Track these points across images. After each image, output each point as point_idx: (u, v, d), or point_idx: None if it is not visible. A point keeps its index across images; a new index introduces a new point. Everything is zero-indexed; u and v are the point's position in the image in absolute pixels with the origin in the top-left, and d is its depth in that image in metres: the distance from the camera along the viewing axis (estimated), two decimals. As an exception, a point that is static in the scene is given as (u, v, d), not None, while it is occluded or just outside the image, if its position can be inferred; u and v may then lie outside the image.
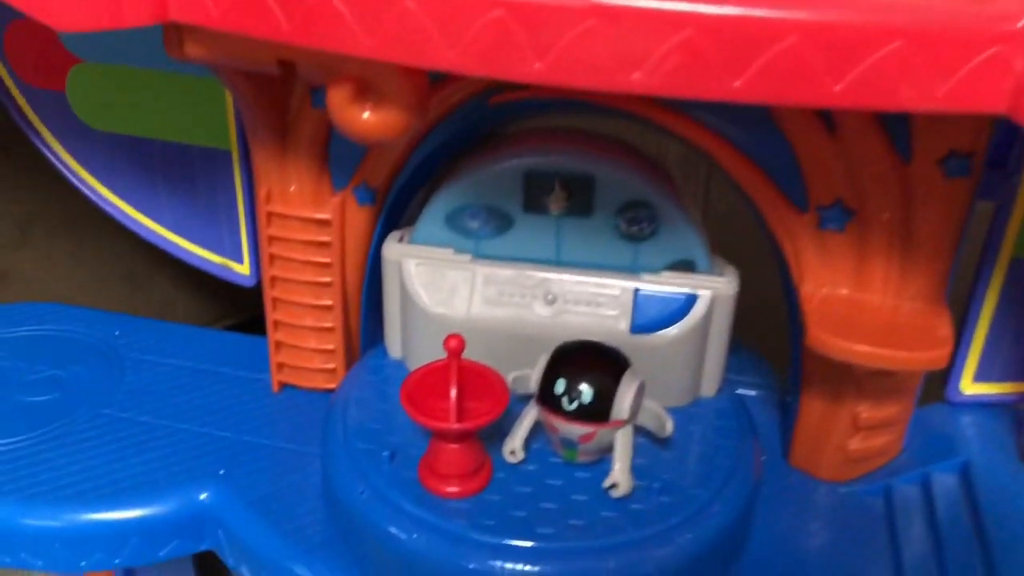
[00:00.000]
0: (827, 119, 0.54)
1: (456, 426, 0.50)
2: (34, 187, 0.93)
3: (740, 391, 0.67)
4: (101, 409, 0.68)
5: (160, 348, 0.76)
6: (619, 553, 0.52)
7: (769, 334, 0.87)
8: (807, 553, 0.59)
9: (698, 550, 0.53)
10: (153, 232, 0.76)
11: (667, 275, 0.60)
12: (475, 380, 0.53)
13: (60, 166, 0.76)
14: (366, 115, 0.49)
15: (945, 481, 0.63)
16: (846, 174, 0.56)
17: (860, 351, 0.55)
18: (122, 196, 0.76)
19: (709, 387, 0.63)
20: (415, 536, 0.52)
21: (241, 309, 1.08)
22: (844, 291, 0.59)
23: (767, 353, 0.77)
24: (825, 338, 0.55)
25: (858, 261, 0.58)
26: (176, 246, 0.76)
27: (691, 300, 0.59)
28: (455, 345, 0.51)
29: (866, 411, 0.61)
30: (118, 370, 0.73)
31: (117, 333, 0.77)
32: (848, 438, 0.62)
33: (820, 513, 0.62)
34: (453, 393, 0.50)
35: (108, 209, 0.77)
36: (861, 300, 0.58)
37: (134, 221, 0.77)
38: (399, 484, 0.55)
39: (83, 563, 0.61)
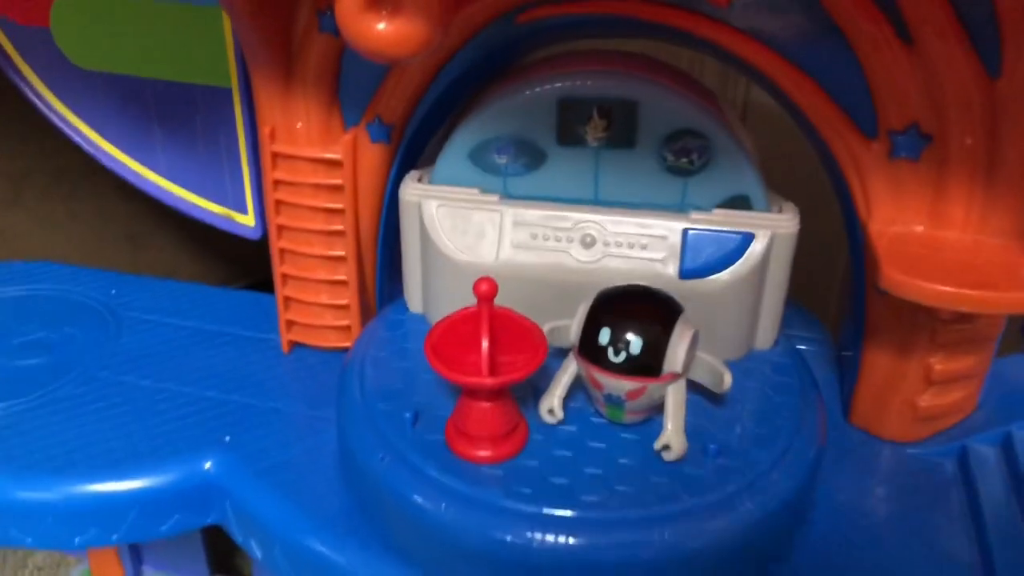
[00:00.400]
0: (902, 27, 0.48)
1: (489, 380, 0.44)
2: (25, 142, 0.87)
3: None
4: (96, 372, 0.63)
5: (160, 307, 0.70)
6: (672, 523, 0.46)
7: (815, 284, 0.80)
8: (875, 521, 0.53)
9: (761, 519, 0.47)
10: (149, 182, 0.70)
11: (719, 213, 0.53)
12: (508, 330, 0.47)
13: (48, 111, 0.70)
14: (381, 26, 0.43)
15: (1028, 440, 0.57)
16: (923, 93, 0.49)
17: (940, 292, 0.48)
18: (115, 143, 0.70)
19: (765, 339, 0.56)
20: (443, 506, 0.46)
21: (250, 271, 1.02)
22: (919, 228, 0.52)
23: (810, 306, 0.71)
24: (900, 278, 0.49)
25: (935, 194, 0.51)
26: (174, 196, 0.70)
27: (747, 240, 0.53)
28: (487, 289, 0.45)
29: (940, 363, 0.55)
30: (114, 331, 0.67)
31: (113, 292, 0.72)
32: (918, 394, 0.56)
33: (886, 477, 0.56)
34: (485, 344, 0.44)
35: (101, 158, 0.71)
36: (938, 238, 0.52)
37: (129, 170, 0.71)
38: (424, 448, 0.49)
39: (77, 539, 0.55)
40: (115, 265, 0.98)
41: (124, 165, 0.71)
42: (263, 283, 0.68)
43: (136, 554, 0.81)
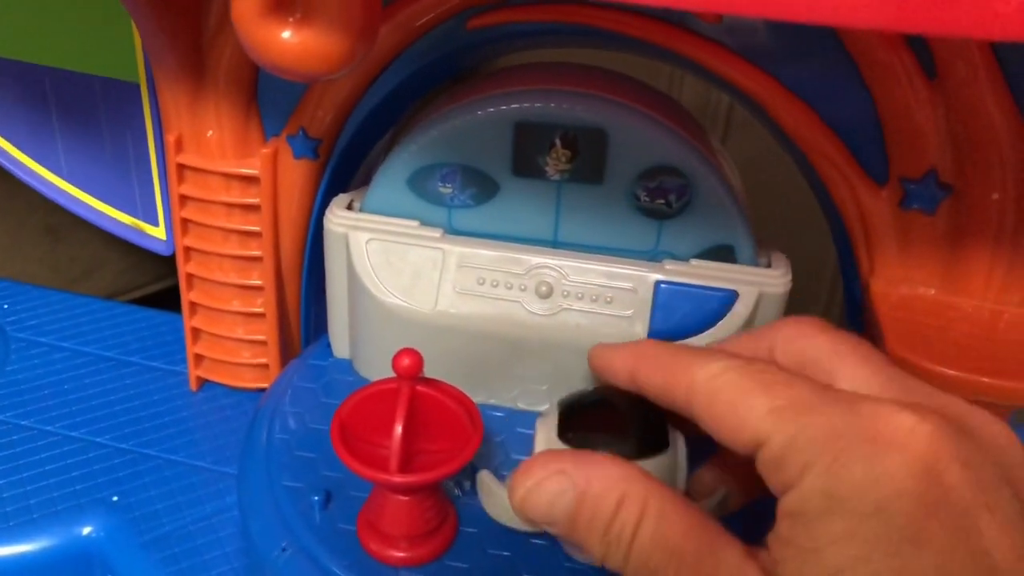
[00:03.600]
0: (925, 58, 0.40)
1: (398, 479, 0.36)
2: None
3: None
4: (-31, 409, 0.54)
5: (57, 327, 0.61)
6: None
7: (806, 309, 0.73)
8: None
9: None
10: (50, 185, 0.61)
11: (698, 264, 0.45)
12: (436, 411, 0.39)
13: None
14: (287, 35, 0.34)
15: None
16: (945, 137, 0.42)
17: (951, 377, 0.41)
18: (11, 139, 0.61)
19: (744, 408, 0.48)
20: (352, 616, 0.39)
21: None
22: (929, 291, 0.45)
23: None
24: (907, 357, 0.41)
25: (951, 254, 0.44)
26: (79, 203, 0.61)
27: (729, 299, 0.45)
28: (409, 365, 0.37)
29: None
30: (1, 355, 0.58)
31: (6, 306, 0.63)
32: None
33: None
34: (398, 431, 0.36)
35: (-4, 154, 0.62)
36: (951, 305, 0.44)
37: (26, 170, 0.61)
38: (334, 541, 0.41)
39: (-75, 620, 0.47)
40: (32, 260, 0.88)
41: (21, 164, 0.61)
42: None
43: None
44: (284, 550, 0.41)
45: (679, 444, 0.39)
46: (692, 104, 0.73)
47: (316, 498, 0.42)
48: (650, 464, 0.37)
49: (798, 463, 0.28)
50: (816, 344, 0.34)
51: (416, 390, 0.37)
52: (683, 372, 0.33)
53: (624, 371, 0.36)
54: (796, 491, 0.28)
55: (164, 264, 0.93)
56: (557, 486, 0.31)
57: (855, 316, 0.48)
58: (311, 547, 0.40)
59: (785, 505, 0.29)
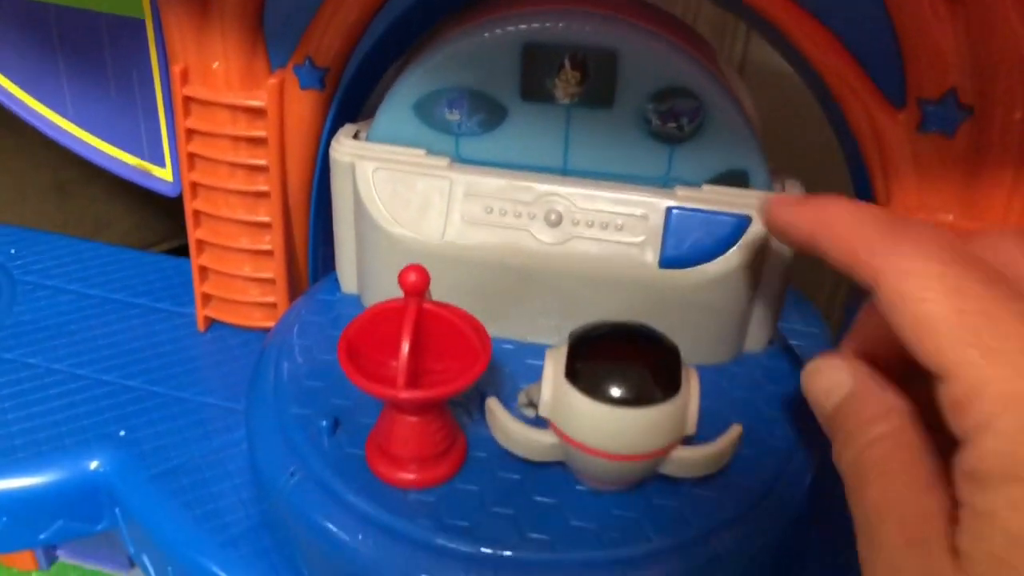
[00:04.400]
0: (945, -27, 0.39)
1: (404, 394, 0.35)
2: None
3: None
4: (-25, 347, 0.54)
5: (64, 271, 0.61)
6: (637, 568, 0.37)
7: (814, 270, 0.72)
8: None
9: (734, 566, 0.39)
10: (56, 127, 0.61)
11: (710, 190, 0.44)
12: (444, 330, 0.38)
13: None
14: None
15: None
16: (966, 55, 0.40)
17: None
18: (14, 79, 0.60)
19: (758, 339, 0.48)
20: (360, 537, 0.38)
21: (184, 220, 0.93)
22: (947, 217, 0.44)
23: (811, 294, 0.63)
24: (926, 281, 0.40)
25: (971, 178, 0.43)
26: (84, 144, 0.60)
27: (742, 225, 0.44)
28: (415, 282, 0.36)
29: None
30: (7, 298, 0.58)
31: (13, 251, 0.62)
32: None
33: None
34: (405, 349, 0.35)
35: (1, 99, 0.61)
36: (969, 231, 0.43)
37: (32, 112, 0.61)
38: (343, 465, 0.40)
39: (-67, 549, 0.47)
40: (40, 217, 0.88)
41: (27, 107, 0.61)
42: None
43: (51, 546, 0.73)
44: (292, 475, 0.41)
45: (692, 384, 0.38)
46: (708, 33, 0.71)
47: (324, 423, 0.41)
48: (661, 408, 0.36)
49: (981, 415, 0.26)
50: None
51: (423, 308, 0.37)
52: (873, 256, 0.30)
53: (804, 232, 0.34)
54: (975, 448, 0.26)
55: (171, 223, 0.93)
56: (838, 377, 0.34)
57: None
58: (319, 471, 0.40)
59: (963, 462, 0.27)
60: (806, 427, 0.44)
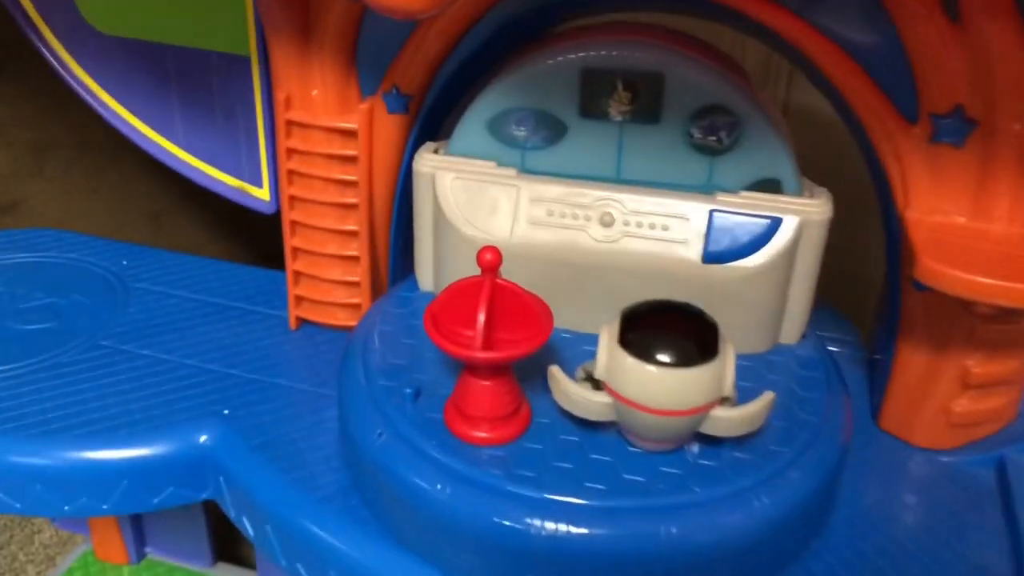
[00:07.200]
0: (949, 3, 0.45)
1: (481, 354, 0.42)
2: (48, 114, 0.86)
3: (823, 343, 0.58)
4: (99, 340, 0.61)
5: (170, 280, 0.68)
6: (681, 516, 0.43)
7: (844, 283, 0.77)
8: (901, 531, 0.50)
9: (776, 517, 0.44)
10: (166, 151, 0.69)
11: (747, 195, 0.51)
12: (512, 306, 0.45)
13: (69, 78, 0.69)
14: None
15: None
16: (970, 75, 0.46)
17: (980, 284, 0.45)
18: (134, 111, 0.69)
19: (791, 332, 0.53)
20: (439, 487, 0.44)
21: (273, 257, 1.01)
22: (960, 219, 0.49)
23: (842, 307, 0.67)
24: (938, 268, 0.46)
25: (979, 183, 0.48)
26: (190, 167, 0.68)
27: (775, 225, 0.50)
28: (491, 259, 0.43)
29: (978, 365, 0.52)
30: (122, 301, 0.66)
31: (125, 263, 0.70)
32: (953, 398, 0.53)
33: (917, 485, 0.53)
34: (481, 317, 0.42)
35: (120, 127, 0.69)
36: (980, 230, 0.49)
37: (147, 139, 0.69)
38: (424, 426, 0.46)
39: (67, 507, 0.54)
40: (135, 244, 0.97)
41: (142, 135, 0.69)
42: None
43: (139, 537, 0.79)
44: (380, 435, 0.47)
45: (729, 352, 0.44)
46: (754, 66, 0.77)
47: (408, 391, 0.48)
48: (700, 369, 0.42)
49: None
50: None
51: (496, 282, 0.43)
52: None
53: None
54: None
55: (255, 252, 1.01)
56: None
57: (894, 249, 0.52)
58: (404, 431, 0.46)
59: None
60: (835, 406, 0.49)
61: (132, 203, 0.95)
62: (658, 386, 0.42)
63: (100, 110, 0.70)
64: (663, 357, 0.42)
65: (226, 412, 0.55)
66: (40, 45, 0.69)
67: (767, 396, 0.44)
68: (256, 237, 0.98)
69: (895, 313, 0.54)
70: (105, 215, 0.93)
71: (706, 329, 0.43)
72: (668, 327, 0.43)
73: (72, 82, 0.70)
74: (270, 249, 1.00)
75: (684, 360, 0.42)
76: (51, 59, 0.69)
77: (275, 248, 0.87)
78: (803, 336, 0.54)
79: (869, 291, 0.85)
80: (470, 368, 0.44)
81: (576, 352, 0.52)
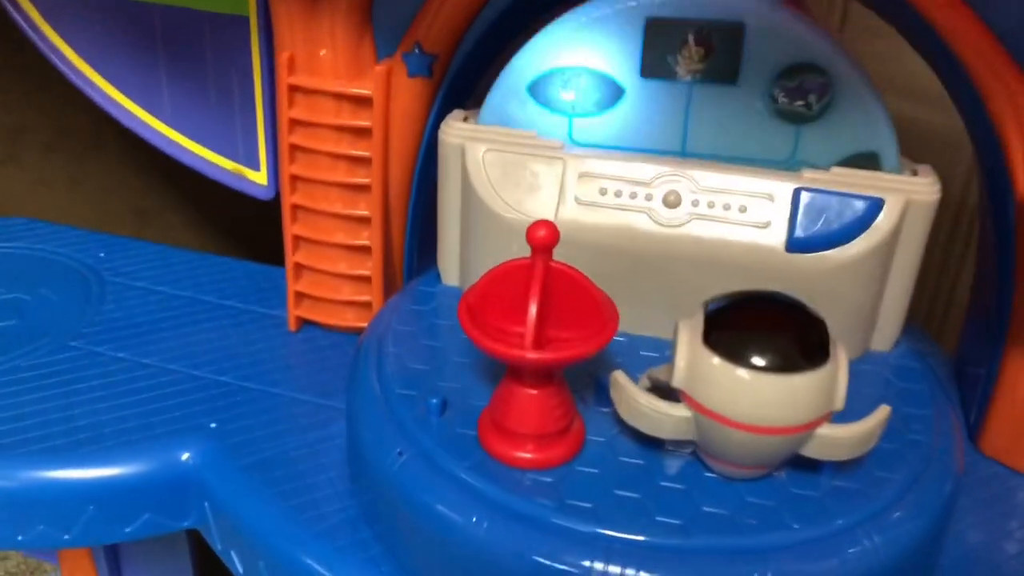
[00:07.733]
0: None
1: (532, 355, 0.33)
2: (27, 95, 0.78)
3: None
4: (68, 341, 0.53)
5: (152, 274, 0.60)
6: (776, 559, 0.34)
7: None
8: (1014, 571, 0.41)
9: (886, 561, 0.36)
10: (152, 130, 0.61)
11: (840, 172, 0.42)
12: (569, 297, 0.36)
13: (45, 48, 0.61)
14: None
15: None
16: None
17: None
18: (116, 83, 0.61)
19: (885, 337, 0.45)
20: (474, 519, 0.36)
21: (267, 255, 0.93)
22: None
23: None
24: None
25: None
26: (178, 147, 0.60)
27: (875, 208, 0.42)
28: (545, 235, 0.34)
29: (1107, 379, 0.44)
30: (96, 297, 0.58)
31: (102, 255, 0.62)
32: (1074, 419, 0.45)
33: (1029, 520, 0.45)
34: (533, 309, 0.33)
35: (100, 101, 0.61)
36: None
37: (130, 116, 0.61)
38: (453, 444, 0.38)
39: (20, 537, 0.45)
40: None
41: (125, 110, 0.61)
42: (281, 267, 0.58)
43: (115, 568, 0.70)
44: (400, 455, 0.38)
45: (841, 356, 0.35)
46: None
47: (434, 401, 0.39)
48: (807, 377, 0.33)
49: None
50: None
51: (551, 266, 0.35)
52: None
53: None
54: None
55: (247, 251, 0.93)
56: None
57: (1005, 238, 0.44)
58: (429, 450, 0.38)
59: None
60: (945, 426, 0.41)
61: (115, 197, 0.87)
62: (755, 396, 0.33)
63: (79, 82, 0.62)
64: (759, 360, 0.33)
65: (213, 425, 0.47)
66: (14, 12, 0.61)
67: (882, 410, 0.36)
68: (256, 237, 0.90)
69: (1002, 318, 0.46)
70: (85, 209, 0.85)
71: (809, 326, 0.35)
72: (763, 321, 0.35)
73: (49, 52, 0.62)
74: (270, 248, 0.92)
75: (787, 364, 0.33)
76: (26, 27, 0.61)
77: (275, 248, 0.78)
78: (897, 343, 0.46)
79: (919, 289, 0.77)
80: (513, 373, 0.36)
81: (632, 359, 0.43)
